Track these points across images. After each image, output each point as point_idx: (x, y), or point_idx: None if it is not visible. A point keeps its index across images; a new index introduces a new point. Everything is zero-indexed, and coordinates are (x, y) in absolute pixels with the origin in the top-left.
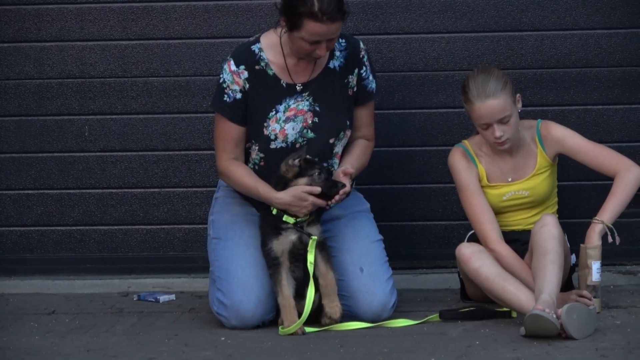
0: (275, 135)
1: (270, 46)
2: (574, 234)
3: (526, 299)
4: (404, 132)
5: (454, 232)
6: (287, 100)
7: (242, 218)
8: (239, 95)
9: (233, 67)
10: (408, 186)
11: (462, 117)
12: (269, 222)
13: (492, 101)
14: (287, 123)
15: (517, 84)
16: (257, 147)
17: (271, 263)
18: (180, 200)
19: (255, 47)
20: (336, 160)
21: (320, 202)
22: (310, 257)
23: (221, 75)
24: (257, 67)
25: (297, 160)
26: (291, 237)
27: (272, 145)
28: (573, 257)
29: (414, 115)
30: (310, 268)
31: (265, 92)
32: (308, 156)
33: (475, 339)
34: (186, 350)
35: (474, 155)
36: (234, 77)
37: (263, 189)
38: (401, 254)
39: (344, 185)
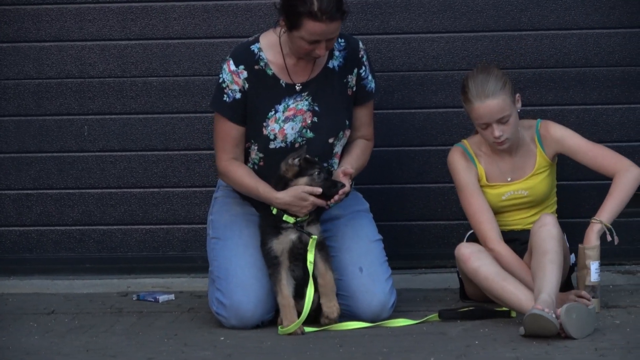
0: (275, 135)
1: (270, 46)
2: (573, 234)
3: (525, 299)
4: (404, 132)
5: (453, 232)
6: (287, 100)
7: (241, 218)
8: (238, 95)
9: (232, 67)
10: (407, 186)
11: (462, 116)
12: (268, 221)
13: (491, 101)
14: (287, 123)
15: (516, 84)
16: (256, 147)
17: (271, 262)
18: (180, 200)
19: (254, 47)
20: (336, 160)
21: (320, 202)
22: (310, 257)
23: (220, 75)
24: (256, 67)
25: (297, 160)
26: (291, 236)
27: (272, 145)
28: (572, 256)
29: (413, 115)
30: (310, 267)
31: (265, 92)
32: (308, 156)
33: (474, 338)
34: (185, 350)
35: (473, 154)
36: (233, 77)
37: (263, 188)
38: (400, 253)
39: (343, 185)
